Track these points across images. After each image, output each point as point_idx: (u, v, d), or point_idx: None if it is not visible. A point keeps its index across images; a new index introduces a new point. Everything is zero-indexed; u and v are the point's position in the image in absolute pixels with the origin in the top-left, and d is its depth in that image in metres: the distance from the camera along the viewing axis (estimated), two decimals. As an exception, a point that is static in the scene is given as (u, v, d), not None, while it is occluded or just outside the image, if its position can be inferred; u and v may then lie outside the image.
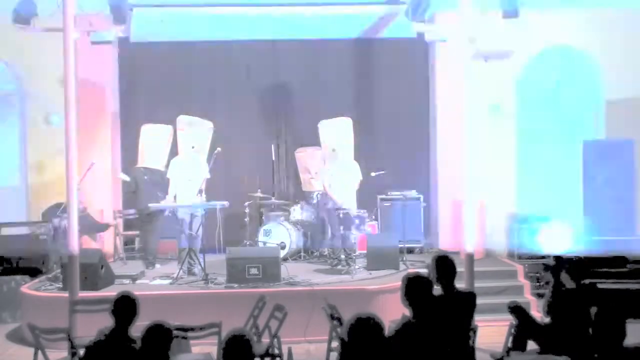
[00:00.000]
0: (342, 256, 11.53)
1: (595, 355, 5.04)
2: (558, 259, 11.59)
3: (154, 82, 14.26)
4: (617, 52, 13.11)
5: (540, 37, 13.11)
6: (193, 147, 11.54)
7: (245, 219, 13.05)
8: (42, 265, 11.71)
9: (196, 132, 11.69)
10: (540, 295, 10.90)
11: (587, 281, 6.71)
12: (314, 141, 13.19)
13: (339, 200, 11.79)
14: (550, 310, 6.70)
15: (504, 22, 11.21)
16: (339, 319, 7.52)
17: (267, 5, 12.43)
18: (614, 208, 12.08)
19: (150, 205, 11.69)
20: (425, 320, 5.71)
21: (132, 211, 13.15)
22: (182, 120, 11.88)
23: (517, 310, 6.90)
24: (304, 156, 13.83)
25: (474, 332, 6.53)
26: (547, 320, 6.77)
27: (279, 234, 12.44)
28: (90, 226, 12.37)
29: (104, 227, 12.65)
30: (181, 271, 10.85)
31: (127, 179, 12.86)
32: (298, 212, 13.06)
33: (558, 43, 13.29)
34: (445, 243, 12.90)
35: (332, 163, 12.13)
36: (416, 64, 14.24)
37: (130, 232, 13.27)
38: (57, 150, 10.74)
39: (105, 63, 13.09)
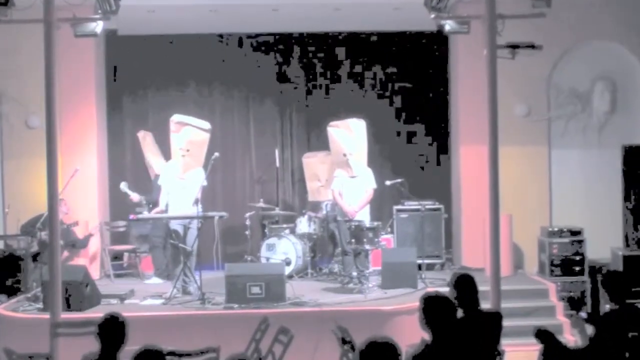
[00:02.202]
0: (354, 273, 11.54)
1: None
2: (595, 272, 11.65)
3: (144, 78, 14.35)
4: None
5: (574, 31, 13.10)
6: (188, 151, 11.41)
7: (246, 232, 13.09)
8: (19, 284, 11.75)
9: (191, 134, 11.49)
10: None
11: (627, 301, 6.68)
12: (323, 145, 13.23)
13: (350, 210, 11.83)
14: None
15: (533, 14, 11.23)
16: (351, 344, 7.54)
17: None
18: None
19: (139, 216, 11.76)
20: (446, 344, 5.73)
21: (122, 223, 13.21)
22: (176, 120, 11.60)
23: (544, 336, 6.90)
24: (313, 162, 13.85)
25: (501, 357, 6.55)
26: (579, 344, 6.78)
27: (284, 249, 12.48)
28: (74, 241, 12.41)
29: (85, 242, 12.65)
30: (175, 290, 10.85)
31: (128, 191, 12.87)
32: (305, 225, 13.07)
33: (593, 38, 13.28)
34: (469, 259, 12.93)
35: (343, 170, 12.14)
36: (436, 58, 14.30)
37: (118, 247, 13.32)
38: (37, 155, 10.78)
39: (90, 58, 13.15)
